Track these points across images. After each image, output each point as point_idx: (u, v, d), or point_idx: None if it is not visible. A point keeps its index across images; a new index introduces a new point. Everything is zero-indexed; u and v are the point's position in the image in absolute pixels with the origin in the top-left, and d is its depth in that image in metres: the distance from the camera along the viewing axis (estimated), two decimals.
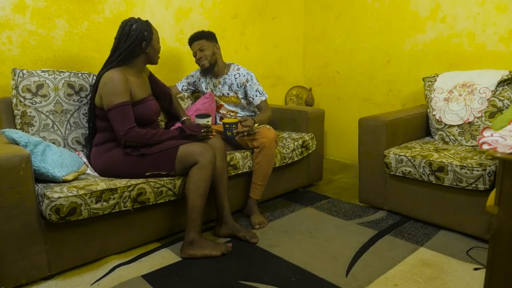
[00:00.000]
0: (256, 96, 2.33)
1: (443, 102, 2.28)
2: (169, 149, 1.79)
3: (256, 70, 3.10)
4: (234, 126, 2.05)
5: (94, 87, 1.86)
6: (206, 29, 2.49)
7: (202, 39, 2.29)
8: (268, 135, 2.11)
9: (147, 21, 1.88)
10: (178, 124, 2.22)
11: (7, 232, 1.44)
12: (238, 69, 2.38)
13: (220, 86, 2.41)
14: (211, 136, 1.96)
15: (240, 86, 2.35)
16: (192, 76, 2.52)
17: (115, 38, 1.86)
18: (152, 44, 1.88)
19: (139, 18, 1.87)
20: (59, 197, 1.49)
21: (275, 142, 2.13)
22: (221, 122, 2.45)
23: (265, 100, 2.36)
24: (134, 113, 1.80)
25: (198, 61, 2.32)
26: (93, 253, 1.70)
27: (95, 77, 2.08)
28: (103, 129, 1.87)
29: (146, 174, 1.79)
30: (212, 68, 2.34)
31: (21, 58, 2.05)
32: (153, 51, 1.90)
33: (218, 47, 2.35)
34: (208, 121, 2.01)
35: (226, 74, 2.39)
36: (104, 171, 1.82)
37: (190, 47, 2.35)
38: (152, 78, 2.10)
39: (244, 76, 2.34)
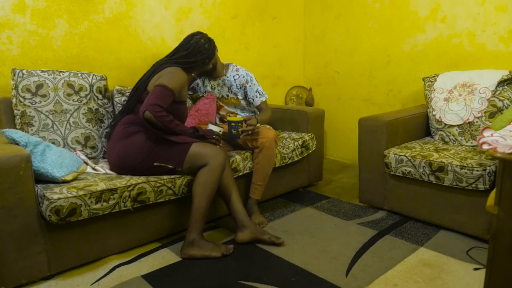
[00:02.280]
0: (256, 97, 2.33)
1: (443, 102, 2.28)
2: (182, 144, 1.81)
3: (256, 70, 3.10)
4: (240, 124, 2.05)
5: (151, 74, 1.95)
6: (206, 29, 2.48)
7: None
8: (268, 135, 2.11)
9: (212, 40, 2.12)
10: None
11: (7, 232, 1.44)
12: (237, 70, 2.37)
13: (219, 88, 2.41)
14: (218, 146, 1.97)
15: (240, 88, 2.35)
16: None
17: (182, 46, 2.07)
18: (212, 62, 2.16)
19: (209, 37, 2.11)
20: (59, 198, 1.49)
21: (275, 142, 2.13)
22: (221, 123, 2.45)
23: (265, 100, 2.36)
24: (174, 109, 1.89)
25: None
26: (93, 253, 1.70)
27: (95, 77, 2.09)
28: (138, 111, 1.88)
29: (155, 164, 1.80)
30: (212, 71, 2.34)
31: (21, 58, 2.05)
32: (208, 66, 2.17)
33: (216, 49, 2.34)
34: (220, 131, 2.03)
35: (225, 75, 2.38)
36: (117, 159, 1.83)
37: None
38: None
39: (243, 77, 2.34)
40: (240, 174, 2.12)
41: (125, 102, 2.07)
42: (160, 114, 1.77)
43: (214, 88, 2.43)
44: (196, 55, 2.04)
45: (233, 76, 2.36)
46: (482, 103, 2.13)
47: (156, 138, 1.84)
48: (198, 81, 2.49)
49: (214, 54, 2.12)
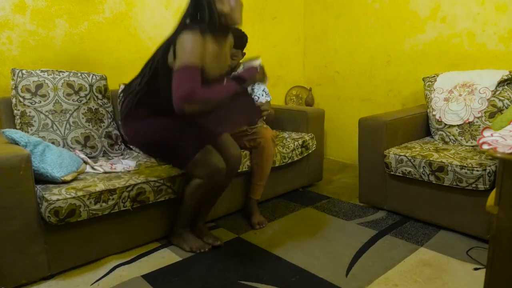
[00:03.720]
0: (262, 95, 2.36)
1: (443, 102, 2.28)
2: (186, 151, 1.68)
3: None
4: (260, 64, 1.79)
5: (167, 45, 1.63)
6: None
7: (240, 49, 2.29)
8: (265, 135, 2.12)
9: None
10: None
11: (7, 232, 1.44)
12: None
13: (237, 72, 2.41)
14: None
15: None
16: None
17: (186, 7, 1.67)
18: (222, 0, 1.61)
19: None
20: (58, 200, 1.49)
21: (272, 141, 2.14)
22: None
23: (269, 101, 2.39)
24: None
25: None
26: (93, 253, 1.70)
27: (95, 77, 2.08)
28: (156, 92, 1.66)
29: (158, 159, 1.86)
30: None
31: (21, 58, 2.05)
32: (224, 7, 1.64)
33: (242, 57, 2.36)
34: (259, 62, 1.77)
35: (236, 71, 2.40)
36: (131, 134, 1.75)
37: None
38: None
39: None
40: (239, 171, 2.12)
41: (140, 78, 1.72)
42: (194, 97, 1.47)
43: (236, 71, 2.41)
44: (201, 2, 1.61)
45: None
46: (482, 103, 2.13)
47: (170, 131, 1.65)
48: None
49: None
